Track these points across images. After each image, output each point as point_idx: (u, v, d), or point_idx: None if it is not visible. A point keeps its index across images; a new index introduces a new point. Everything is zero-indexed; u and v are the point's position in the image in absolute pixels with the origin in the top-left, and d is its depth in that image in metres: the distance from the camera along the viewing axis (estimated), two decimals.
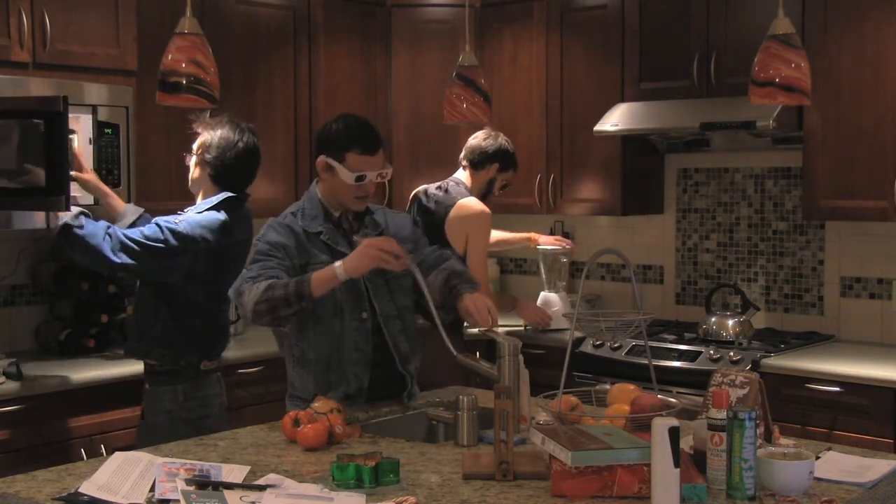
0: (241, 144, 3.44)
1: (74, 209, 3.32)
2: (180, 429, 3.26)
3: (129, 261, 3.25)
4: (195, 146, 3.47)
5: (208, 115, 3.49)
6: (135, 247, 3.24)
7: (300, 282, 2.89)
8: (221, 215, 3.38)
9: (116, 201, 3.67)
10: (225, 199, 3.41)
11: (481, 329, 2.96)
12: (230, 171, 3.44)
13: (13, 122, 3.45)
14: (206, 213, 3.37)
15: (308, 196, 3.18)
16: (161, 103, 2.91)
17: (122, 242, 3.24)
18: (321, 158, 3.10)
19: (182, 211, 3.42)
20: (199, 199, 3.48)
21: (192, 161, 3.48)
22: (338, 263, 2.89)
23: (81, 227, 3.25)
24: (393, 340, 3.10)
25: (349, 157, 3.05)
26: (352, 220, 3.16)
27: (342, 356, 3.05)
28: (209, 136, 3.43)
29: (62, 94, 3.47)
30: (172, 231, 3.28)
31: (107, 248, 3.23)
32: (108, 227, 3.29)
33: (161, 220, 3.32)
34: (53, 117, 3.41)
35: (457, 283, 3.06)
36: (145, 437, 3.33)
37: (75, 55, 3.92)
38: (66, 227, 3.26)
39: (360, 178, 3.05)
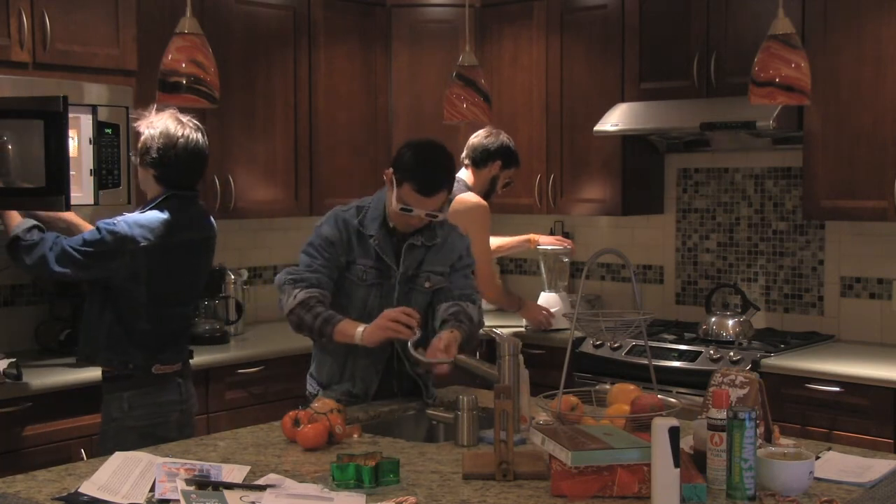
0: (181, 141, 3.28)
1: (28, 222, 3.28)
2: (128, 438, 3.15)
3: (69, 270, 3.20)
4: (138, 145, 3.35)
5: (154, 110, 3.32)
6: (75, 255, 3.19)
7: (327, 321, 3.00)
8: (164, 215, 3.28)
9: (11, 218, 3.38)
10: (168, 197, 3.31)
11: (424, 359, 2.95)
12: (173, 170, 3.30)
13: (13, 122, 3.45)
14: (148, 212, 3.29)
15: (378, 196, 3.20)
16: (161, 103, 2.91)
17: (64, 252, 3.19)
18: (389, 171, 3.11)
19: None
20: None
21: (136, 162, 3.37)
22: (360, 328, 2.97)
23: (32, 241, 3.22)
24: (401, 344, 3.08)
25: (405, 187, 3.05)
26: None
27: (357, 357, 3.12)
28: (148, 135, 3.30)
29: (62, 94, 3.46)
30: (109, 231, 3.20)
31: (51, 260, 3.19)
32: (56, 238, 3.24)
33: (101, 222, 3.25)
34: (53, 117, 3.40)
35: (456, 320, 3.08)
36: (101, 447, 3.28)
37: (75, 55, 3.92)
38: (17, 239, 3.24)
39: (404, 210, 3.06)
